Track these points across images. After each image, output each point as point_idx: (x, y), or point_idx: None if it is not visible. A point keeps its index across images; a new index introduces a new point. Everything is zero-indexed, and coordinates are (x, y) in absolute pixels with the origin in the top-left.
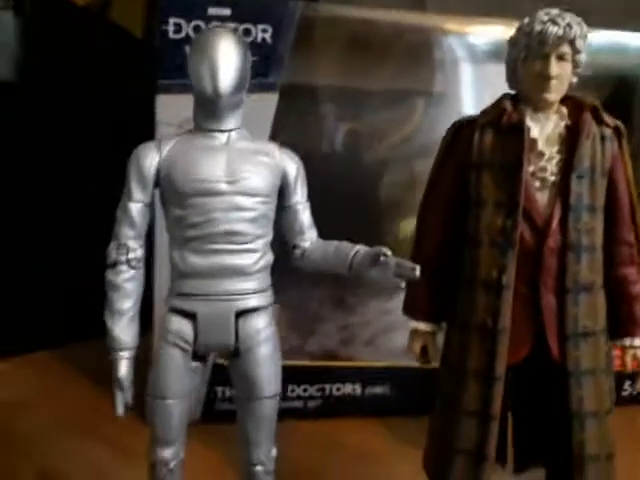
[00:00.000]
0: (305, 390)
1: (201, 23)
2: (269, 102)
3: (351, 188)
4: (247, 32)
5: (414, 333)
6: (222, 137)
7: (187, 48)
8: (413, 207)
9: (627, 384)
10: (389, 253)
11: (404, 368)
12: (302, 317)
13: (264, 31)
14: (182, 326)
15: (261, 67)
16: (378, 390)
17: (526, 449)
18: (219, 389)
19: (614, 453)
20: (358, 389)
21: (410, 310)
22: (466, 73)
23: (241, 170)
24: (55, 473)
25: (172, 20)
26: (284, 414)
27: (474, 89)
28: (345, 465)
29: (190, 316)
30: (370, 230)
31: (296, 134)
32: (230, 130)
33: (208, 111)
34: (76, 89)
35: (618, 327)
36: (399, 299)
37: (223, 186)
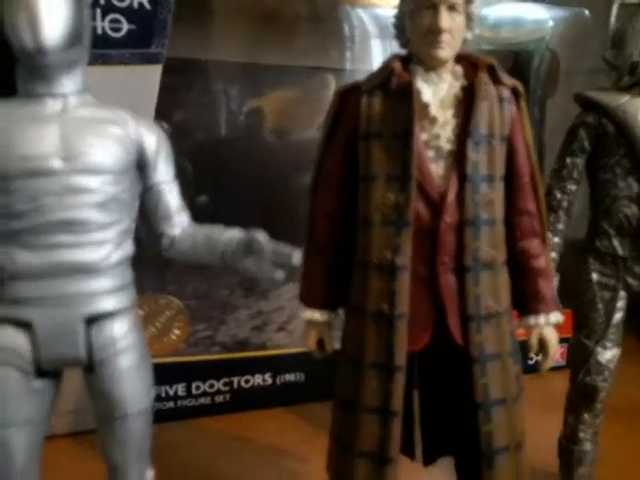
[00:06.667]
0: (211, 386)
1: None
2: (152, 75)
3: (259, 172)
4: None
5: (309, 324)
6: (55, 104)
7: None
8: None
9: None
10: (262, 239)
11: None
12: (211, 307)
13: None
14: (15, 339)
15: (140, 36)
16: (290, 378)
17: (434, 440)
18: None
19: (524, 442)
20: (269, 379)
21: (305, 298)
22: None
23: (81, 143)
24: None
25: None
26: (189, 413)
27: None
28: (256, 462)
29: (24, 326)
30: (282, 215)
31: (193, 116)
32: (65, 95)
33: (33, 71)
34: None
35: (522, 305)
36: None
37: (56, 163)
